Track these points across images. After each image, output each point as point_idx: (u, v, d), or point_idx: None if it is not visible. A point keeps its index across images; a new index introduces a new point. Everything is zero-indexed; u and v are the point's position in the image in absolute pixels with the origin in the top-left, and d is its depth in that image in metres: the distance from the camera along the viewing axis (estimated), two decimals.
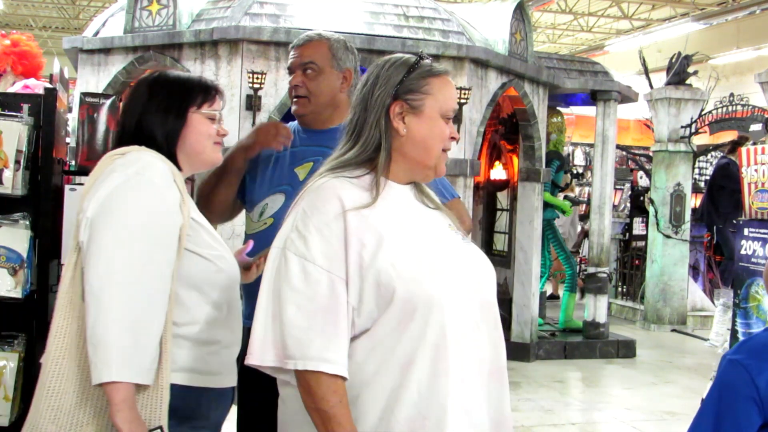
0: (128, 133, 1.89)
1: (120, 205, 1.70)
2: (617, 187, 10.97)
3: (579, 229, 11.62)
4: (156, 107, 1.90)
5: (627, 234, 10.34)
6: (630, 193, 11.24)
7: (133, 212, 1.70)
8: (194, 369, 1.84)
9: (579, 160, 14.64)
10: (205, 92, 1.95)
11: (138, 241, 1.68)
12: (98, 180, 1.76)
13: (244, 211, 2.57)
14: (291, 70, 2.46)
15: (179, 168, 1.90)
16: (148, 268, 1.68)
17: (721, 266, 8.80)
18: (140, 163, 1.78)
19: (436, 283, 1.62)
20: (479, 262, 1.77)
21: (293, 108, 2.47)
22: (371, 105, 1.71)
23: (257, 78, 5.30)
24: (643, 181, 11.37)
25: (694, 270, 9.47)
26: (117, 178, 1.74)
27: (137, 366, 1.64)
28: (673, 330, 8.78)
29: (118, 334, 1.62)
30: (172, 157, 1.90)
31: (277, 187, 2.42)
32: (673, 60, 9.00)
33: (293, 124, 2.59)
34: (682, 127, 8.80)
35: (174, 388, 1.75)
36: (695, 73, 8.99)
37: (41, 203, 2.43)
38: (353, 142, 1.74)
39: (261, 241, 2.38)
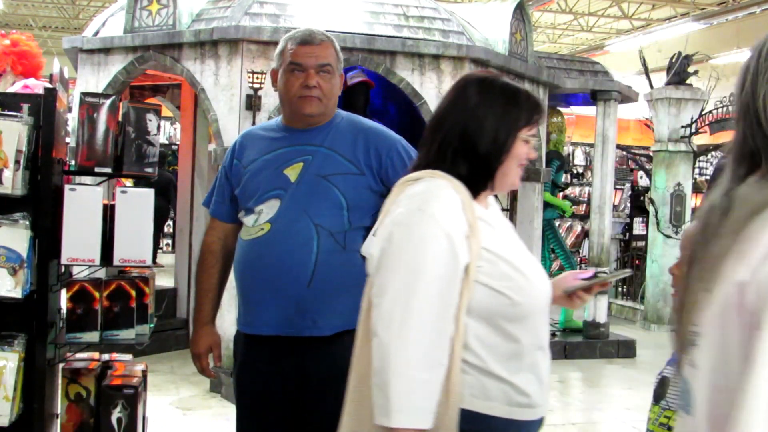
0: (448, 139, 1.77)
1: (399, 245, 1.67)
2: (617, 187, 10.96)
3: None
4: (487, 116, 1.76)
5: (627, 234, 10.35)
6: (630, 193, 11.25)
7: (411, 253, 1.65)
8: (489, 398, 1.74)
9: (579, 160, 14.64)
10: (531, 113, 1.80)
11: (416, 282, 1.63)
12: (390, 210, 1.74)
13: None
14: (301, 67, 2.38)
15: (481, 187, 1.79)
16: (426, 309, 1.62)
17: None
18: (425, 195, 1.70)
19: None
20: None
21: (300, 106, 2.40)
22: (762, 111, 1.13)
23: (257, 78, 5.30)
24: (643, 181, 11.38)
25: None
26: (400, 216, 1.70)
27: (416, 410, 1.61)
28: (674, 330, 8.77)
29: (397, 378, 1.60)
30: (482, 176, 1.78)
31: (269, 193, 2.38)
32: (673, 60, 9.00)
33: (271, 123, 2.56)
34: (682, 127, 8.80)
35: (470, 414, 1.70)
36: (695, 73, 8.99)
37: (41, 203, 2.42)
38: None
39: (259, 246, 2.36)
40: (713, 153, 10.29)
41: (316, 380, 2.35)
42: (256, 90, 5.34)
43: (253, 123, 5.39)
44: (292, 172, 2.37)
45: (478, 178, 1.76)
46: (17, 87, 3.20)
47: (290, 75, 2.38)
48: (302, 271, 2.31)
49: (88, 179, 3.46)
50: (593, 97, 7.57)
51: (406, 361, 1.60)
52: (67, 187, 2.50)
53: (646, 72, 9.05)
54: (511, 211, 7.43)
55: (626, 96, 7.79)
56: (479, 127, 1.75)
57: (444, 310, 1.65)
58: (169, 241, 12.42)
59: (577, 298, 2.01)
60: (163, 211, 8.31)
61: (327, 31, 2.52)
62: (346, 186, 2.36)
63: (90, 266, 2.54)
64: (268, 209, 2.37)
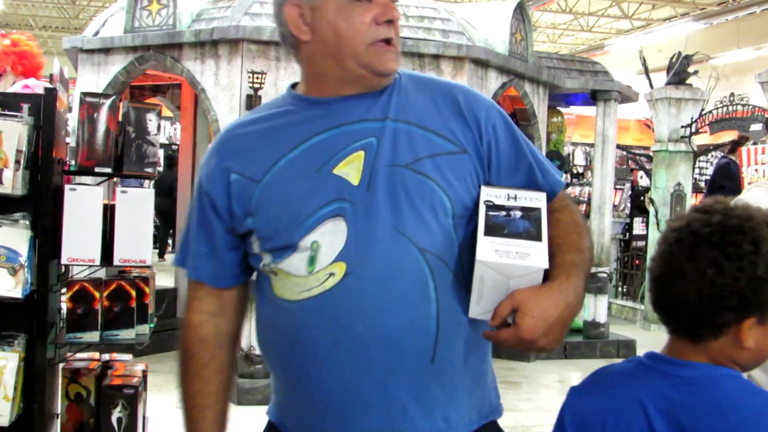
0: None
1: None
2: (617, 187, 10.97)
3: None
4: None
5: (627, 234, 10.34)
6: (630, 193, 11.26)
7: None
8: None
9: (579, 160, 14.67)
10: None
11: None
12: None
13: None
14: None
15: None
16: None
17: None
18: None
19: None
20: None
21: (377, 61, 1.43)
22: None
23: (257, 78, 5.30)
24: (643, 181, 11.39)
25: None
26: None
27: None
28: None
29: None
30: None
31: (322, 210, 1.38)
32: (673, 60, 9.00)
33: (270, 103, 1.58)
34: (682, 126, 8.80)
35: None
36: (695, 72, 8.99)
37: (41, 203, 2.42)
38: None
39: (331, 308, 1.36)
40: (713, 153, 10.29)
41: None
42: (256, 90, 5.34)
43: None
44: (351, 170, 1.41)
45: None
46: (17, 87, 3.20)
47: (349, 5, 1.41)
48: (420, 337, 1.37)
49: (88, 179, 3.46)
50: (593, 97, 7.57)
51: None
52: (67, 187, 2.51)
53: (646, 72, 9.05)
54: None
55: (626, 96, 7.80)
56: None
57: None
58: (170, 241, 12.43)
59: None
60: (173, 210, 8.34)
61: None
62: (444, 175, 1.41)
63: (90, 266, 2.55)
64: (329, 239, 1.37)
